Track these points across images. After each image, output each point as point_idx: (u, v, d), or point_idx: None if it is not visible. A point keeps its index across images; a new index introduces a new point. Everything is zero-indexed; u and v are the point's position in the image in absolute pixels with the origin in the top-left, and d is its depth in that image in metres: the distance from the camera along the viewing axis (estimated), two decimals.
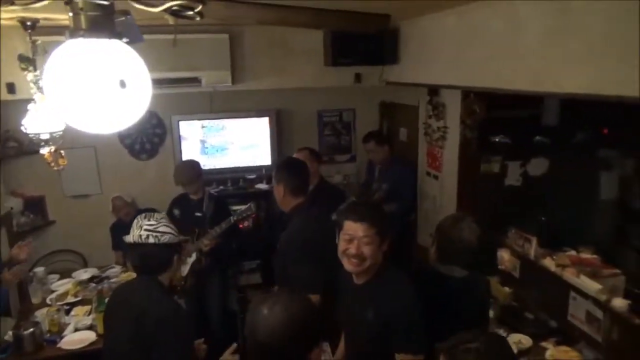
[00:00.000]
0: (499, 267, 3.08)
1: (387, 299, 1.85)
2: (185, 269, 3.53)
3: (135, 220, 1.99)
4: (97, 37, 1.06)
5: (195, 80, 3.64)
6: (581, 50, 1.84)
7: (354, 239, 1.84)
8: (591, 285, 2.44)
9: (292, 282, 2.35)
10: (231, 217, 3.30)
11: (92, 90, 1.03)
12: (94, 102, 1.03)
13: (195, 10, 1.14)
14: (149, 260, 1.95)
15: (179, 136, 4.24)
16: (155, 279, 1.97)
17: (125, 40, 1.14)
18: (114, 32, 1.09)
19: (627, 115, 3.86)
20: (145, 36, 3.52)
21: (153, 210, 4.22)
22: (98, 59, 1.04)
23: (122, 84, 1.05)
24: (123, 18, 1.36)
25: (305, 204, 2.52)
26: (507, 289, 3.02)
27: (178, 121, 4.23)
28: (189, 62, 3.54)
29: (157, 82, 3.52)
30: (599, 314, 2.36)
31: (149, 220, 1.96)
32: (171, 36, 3.15)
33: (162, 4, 1.12)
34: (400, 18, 3.63)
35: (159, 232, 1.93)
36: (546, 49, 2.06)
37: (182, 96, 4.06)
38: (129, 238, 1.95)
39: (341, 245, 1.88)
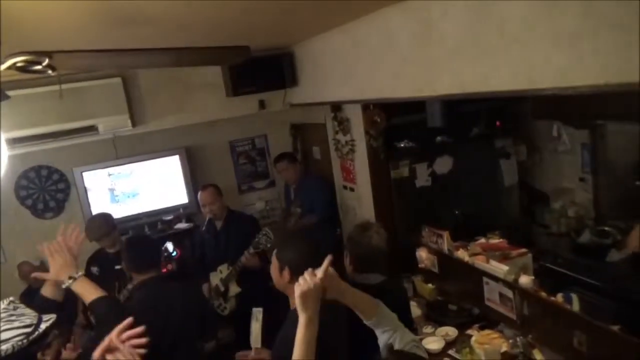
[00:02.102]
0: (420, 265, 3.20)
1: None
2: None
3: None
4: None
5: (91, 129, 3.50)
6: (443, 55, 2.00)
7: None
8: (499, 268, 2.61)
9: None
10: None
11: None
12: None
13: (44, 64, 1.11)
14: None
15: (85, 188, 4.04)
16: None
17: None
18: None
19: (513, 108, 4.24)
20: (28, 90, 3.38)
21: None
22: None
23: None
24: None
25: (153, 279, 2.52)
26: (430, 285, 3.14)
27: (81, 172, 4.03)
28: (82, 110, 3.40)
29: (47, 136, 3.37)
30: (509, 293, 2.51)
31: None
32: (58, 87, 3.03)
33: (5, 61, 1.08)
34: (291, 42, 3.74)
35: None
36: (417, 57, 2.21)
37: (81, 146, 3.88)
38: None
39: None
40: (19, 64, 1.10)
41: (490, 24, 1.74)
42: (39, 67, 1.13)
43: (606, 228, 3.63)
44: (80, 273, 2.01)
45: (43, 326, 1.47)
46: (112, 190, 4.15)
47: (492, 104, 4.02)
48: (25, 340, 1.43)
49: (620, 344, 1.97)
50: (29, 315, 1.49)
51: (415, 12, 2.15)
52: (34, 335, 1.44)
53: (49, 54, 1.08)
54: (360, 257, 2.26)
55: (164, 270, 3.94)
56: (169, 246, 3.08)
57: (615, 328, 2.03)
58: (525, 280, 2.46)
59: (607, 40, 1.35)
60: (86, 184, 4.06)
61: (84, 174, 4.05)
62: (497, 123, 4.15)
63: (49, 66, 1.14)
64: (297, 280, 1.82)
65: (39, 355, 1.50)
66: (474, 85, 1.85)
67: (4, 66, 1.09)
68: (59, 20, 1.47)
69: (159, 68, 3.31)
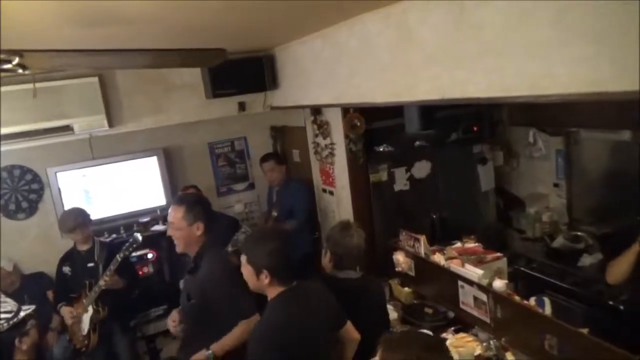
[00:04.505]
0: (397, 269, 3.22)
1: None
2: (84, 327, 3.27)
3: None
4: None
5: (67, 128, 3.43)
6: (421, 61, 2.02)
7: None
8: (474, 272, 2.64)
9: (225, 314, 2.30)
10: (118, 255, 3.10)
11: None
12: None
13: (14, 63, 1.08)
14: None
15: (59, 189, 3.96)
16: None
17: None
18: None
19: (490, 114, 4.31)
20: (1, 88, 3.29)
21: (40, 275, 3.93)
22: None
23: None
24: None
25: (209, 239, 2.50)
26: (406, 289, 3.16)
27: (56, 173, 3.94)
28: (57, 109, 3.33)
29: (21, 135, 3.31)
30: (484, 297, 2.55)
31: None
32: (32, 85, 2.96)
33: None
34: (272, 45, 3.74)
35: None
36: (395, 62, 2.24)
37: (56, 146, 3.79)
38: None
39: None
40: None
41: (467, 32, 1.77)
42: (8, 65, 1.10)
43: (579, 233, 3.73)
44: None
45: (22, 314, 1.63)
46: (87, 191, 4.07)
47: (469, 110, 4.08)
48: (5, 324, 1.56)
49: (589, 347, 2.01)
50: (10, 304, 1.64)
51: (394, 19, 2.18)
52: (13, 320, 1.58)
53: (19, 52, 1.06)
54: (341, 255, 2.35)
55: (140, 273, 3.90)
56: (136, 236, 2.96)
57: (585, 331, 2.08)
58: (499, 284, 2.50)
59: (576, 50, 1.39)
60: (60, 185, 3.97)
61: (58, 174, 3.96)
62: (475, 128, 4.21)
63: (19, 65, 1.12)
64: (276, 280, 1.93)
65: (16, 342, 1.62)
66: (451, 91, 1.88)
67: None
68: (32, 19, 1.44)
69: (136, 69, 3.26)
